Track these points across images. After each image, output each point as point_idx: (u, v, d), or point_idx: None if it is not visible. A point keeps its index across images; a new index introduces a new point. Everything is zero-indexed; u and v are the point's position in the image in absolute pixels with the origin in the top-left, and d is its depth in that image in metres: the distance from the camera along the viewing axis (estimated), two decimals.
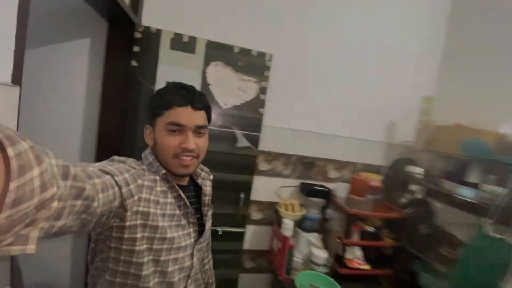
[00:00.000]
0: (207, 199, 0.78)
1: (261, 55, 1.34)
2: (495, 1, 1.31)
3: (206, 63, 1.29)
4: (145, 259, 0.61)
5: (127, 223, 0.57)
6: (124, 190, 0.54)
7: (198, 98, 0.66)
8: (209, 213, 0.79)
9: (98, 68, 1.20)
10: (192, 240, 0.71)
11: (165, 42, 1.23)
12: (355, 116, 1.51)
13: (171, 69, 1.25)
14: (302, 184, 1.45)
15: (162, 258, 0.64)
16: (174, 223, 0.66)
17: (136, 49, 1.20)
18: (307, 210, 1.39)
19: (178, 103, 0.64)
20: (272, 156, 1.44)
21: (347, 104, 1.49)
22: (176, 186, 0.68)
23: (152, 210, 0.61)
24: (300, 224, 1.39)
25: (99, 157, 1.21)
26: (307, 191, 1.39)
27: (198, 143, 0.67)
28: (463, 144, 1.09)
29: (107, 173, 0.52)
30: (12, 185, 0.25)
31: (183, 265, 0.68)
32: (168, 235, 0.64)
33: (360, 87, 1.49)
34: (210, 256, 0.90)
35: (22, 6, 0.51)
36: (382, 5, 1.47)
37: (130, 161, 0.65)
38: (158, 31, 1.22)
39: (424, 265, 1.26)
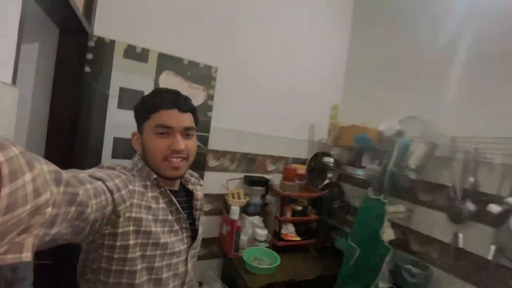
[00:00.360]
0: (199, 203, 0.78)
1: (208, 67, 1.57)
2: (386, 23, 1.84)
3: (158, 71, 1.45)
4: (138, 267, 0.60)
5: (120, 230, 0.57)
6: (116, 195, 0.54)
7: (184, 101, 0.68)
8: (202, 218, 0.79)
9: (48, 72, 1.22)
10: (186, 246, 0.70)
11: (118, 52, 1.34)
12: (285, 119, 1.87)
13: (125, 75, 1.36)
14: (246, 176, 1.72)
15: (156, 264, 0.63)
16: (167, 228, 0.65)
17: (89, 56, 1.27)
18: (250, 197, 1.66)
19: (165, 106, 0.65)
20: (220, 154, 1.67)
21: (278, 109, 1.84)
22: (168, 191, 0.67)
23: (144, 216, 0.60)
24: (245, 209, 1.65)
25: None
26: (250, 181, 1.67)
27: (187, 145, 0.67)
28: (355, 139, 1.54)
29: (98, 179, 0.51)
30: (4, 191, 0.24)
31: (177, 271, 0.68)
32: (162, 241, 0.63)
33: (288, 95, 1.86)
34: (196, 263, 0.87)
35: (23, 10, 0.61)
36: (302, 27, 1.89)
37: (120, 167, 0.64)
38: (112, 42, 1.32)
39: (339, 232, 1.67)
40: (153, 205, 0.64)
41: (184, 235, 0.70)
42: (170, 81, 1.48)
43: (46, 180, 0.31)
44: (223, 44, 1.63)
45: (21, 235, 0.28)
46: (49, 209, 0.31)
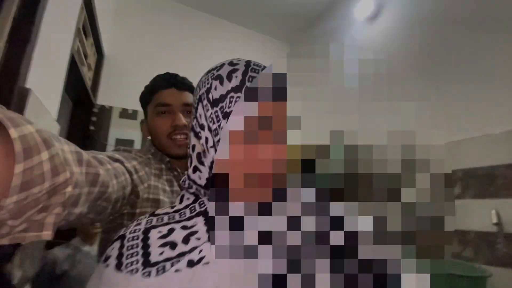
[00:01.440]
0: None
1: None
2: None
3: None
4: None
5: (138, 210, 0.58)
6: (135, 176, 0.55)
7: (181, 79, 0.70)
8: None
9: (63, 132, 1.66)
10: None
11: (115, 114, 1.83)
12: None
13: (119, 129, 1.82)
14: None
15: None
16: None
17: (93, 119, 1.74)
18: None
19: (163, 86, 0.69)
20: None
21: None
22: (181, 175, 0.68)
23: (161, 197, 0.62)
24: None
25: None
26: None
27: (189, 121, 0.66)
28: None
29: (116, 160, 0.52)
30: (18, 168, 0.23)
31: None
32: None
33: None
34: None
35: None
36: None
37: (136, 150, 0.66)
38: (110, 108, 1.82)
39: None
40: (168, 188, 0.65)
41: None
42: None
43: (67, 160, 0.30)
44: None
45: (40, 213, 0.28)
46: (69, 189, 0.30)
